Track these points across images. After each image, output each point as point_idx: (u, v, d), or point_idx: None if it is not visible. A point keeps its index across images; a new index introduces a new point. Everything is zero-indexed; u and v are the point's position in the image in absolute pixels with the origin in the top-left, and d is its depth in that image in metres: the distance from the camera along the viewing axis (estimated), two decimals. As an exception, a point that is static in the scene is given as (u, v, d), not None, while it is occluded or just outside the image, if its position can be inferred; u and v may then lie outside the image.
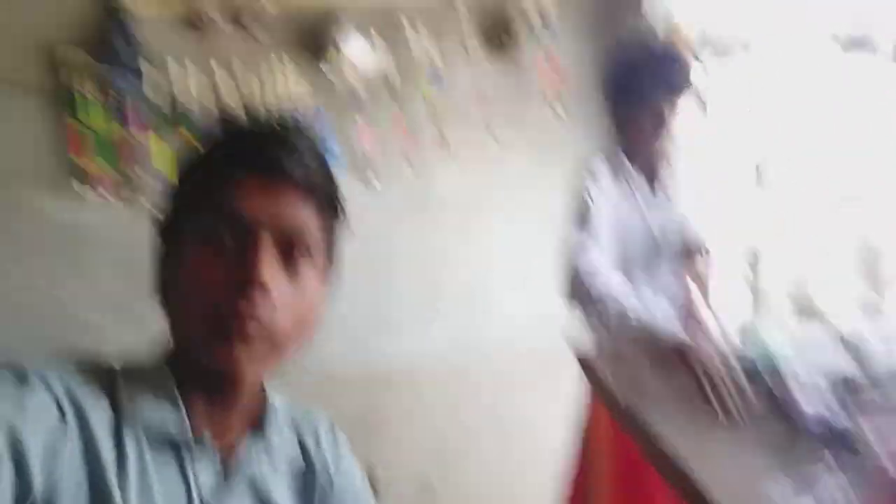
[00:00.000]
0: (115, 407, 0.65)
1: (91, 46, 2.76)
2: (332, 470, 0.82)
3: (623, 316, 1.72)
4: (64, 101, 2.80)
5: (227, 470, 0.72)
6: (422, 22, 2.74)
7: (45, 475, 0.56)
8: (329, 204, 0.76)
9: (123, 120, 2.84)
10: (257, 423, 0.77)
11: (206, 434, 0.70)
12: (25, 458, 0.54)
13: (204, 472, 0.69)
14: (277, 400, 0.82)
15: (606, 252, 1.94)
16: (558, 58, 2.96)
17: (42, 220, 2.93)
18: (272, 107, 2.81)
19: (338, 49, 2.69)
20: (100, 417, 0.63)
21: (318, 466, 0.81)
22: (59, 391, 0.61)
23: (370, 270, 3.06)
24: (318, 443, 0.83)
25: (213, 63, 2.79)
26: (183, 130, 2.85)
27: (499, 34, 2.87)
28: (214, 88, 2.81)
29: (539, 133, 3.00)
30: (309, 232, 0.72)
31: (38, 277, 2.98)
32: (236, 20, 2.77)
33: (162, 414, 0.67)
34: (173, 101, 2.83)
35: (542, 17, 2.86)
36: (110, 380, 0.68)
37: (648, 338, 1.69)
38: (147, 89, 2.80)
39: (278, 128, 0.73)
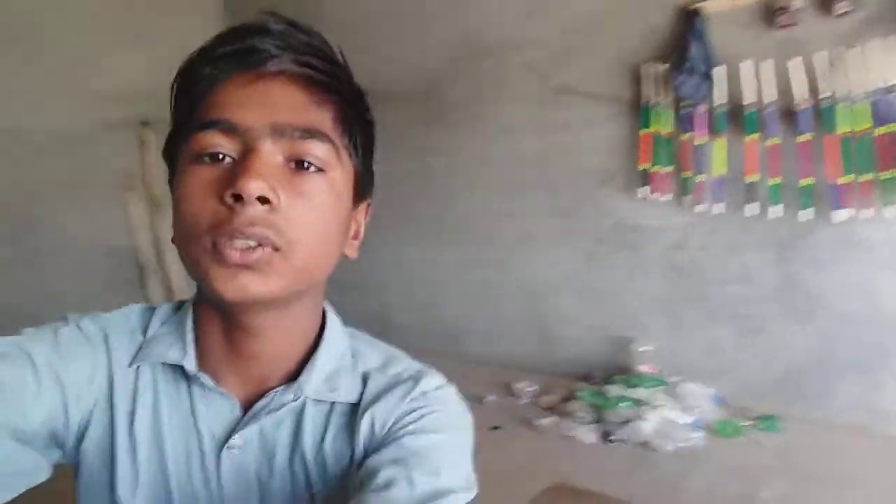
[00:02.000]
0: (141, 343, 0.72)
1: (669, 59, 3.08)
2: (389, 427, 0.70)
3: None
4: (638, 113, 3.22)
5: (245, 414, 0.70)
6: None
7: (79, 403, 0.67)
8: (345, 101, 0.66)
9: (689, 126, 3.06)
10: (297, 374, 0.72)
11: (219, 374, 0.70)
12: (64, 387, 0.66)
13: (216, 411, 0.70)
14: (364, 356, 0.77)
15: None
16: None
17: (606, 216, 3.48)
18: (860, 97, 2.52)
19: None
20: (124, 352, 0.71)
21: (364, 423, 0.71)
22: (91, 331, 0.70)
23: None
24: (379, 400, 0.72)
25: (791, 58, 2.68)
26: (749, 135, 2.86)
27: None
28: (788, 87, 2.70)
29: None
30: (318, 134, 0.64)
31: (600, 269, 3.55)
32: (825, 4, 2.58)
33: (171, 349, 0.70)
34: (741, 105, 2.86)
35: None
36: (149, 318, 0.74)
37: None
38: (716, 94, 2.93)
39: (265, 21, 0.65)
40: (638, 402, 3.05)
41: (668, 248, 3.32)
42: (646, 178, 3.27)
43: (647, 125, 3.22)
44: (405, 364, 0.78)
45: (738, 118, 2.93)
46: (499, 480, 2.66)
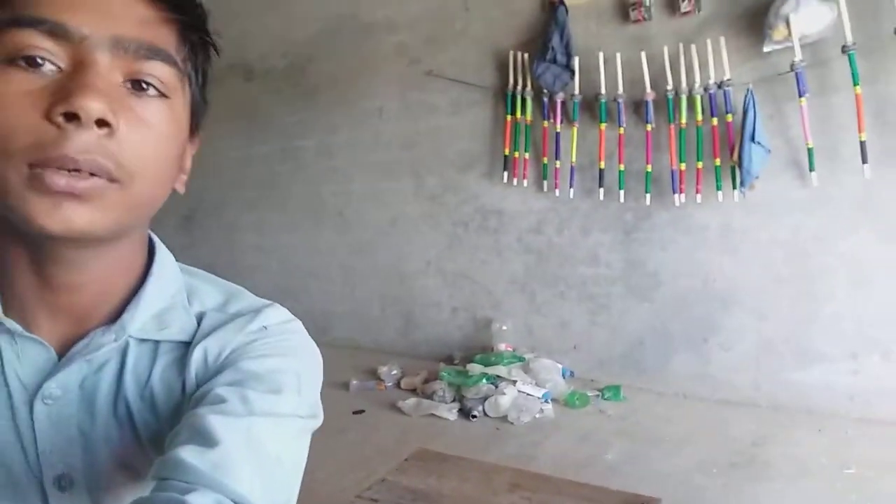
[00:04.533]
0: None
1: (532, 49, 3.20)
2: (225, 357, 0.65)
3: None
4: (505, 100, 3.32)
5: (61, 360, 0.62)
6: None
7: None
8: (190, 24, 0.61)
9: (548, 114, 3.19)
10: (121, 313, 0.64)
11: (31, 318, 0.61)
12: None
13: (27, 360, 0.61)
14: (201, 295, 0.69)
15: None
16: None
17: (470, 200, 3.57)
18: (698, 90, 2.75)
19: (787, 24, 2.45)
20: None
21: (196, 354, 0.65)
22: None
23: (794, 282, 2.73)
24: (214, 332, 0.66)
25: (641, 51, 2.88)
26: (601, 125, 3.03)
27: None
28: (636, 79, 2.89)
29: None
30: (161, 53, 0.57)
31: (463, 251, 3.62)
32: (671, 2, 2.79)
33: None
34: (595, 96, 3.03)
35: None
36: None
37: None
38: (574, 84, 3.08)
39: None
40: (496, 379, 3.12)
41: (526, 231, 3.44)
42: (508, 164, 3.37)
43: (511, 112, 3.32)
44: (248, 301, 0.70)
45: (592, 107, 3.09)
46: (363, 459, 2.62)
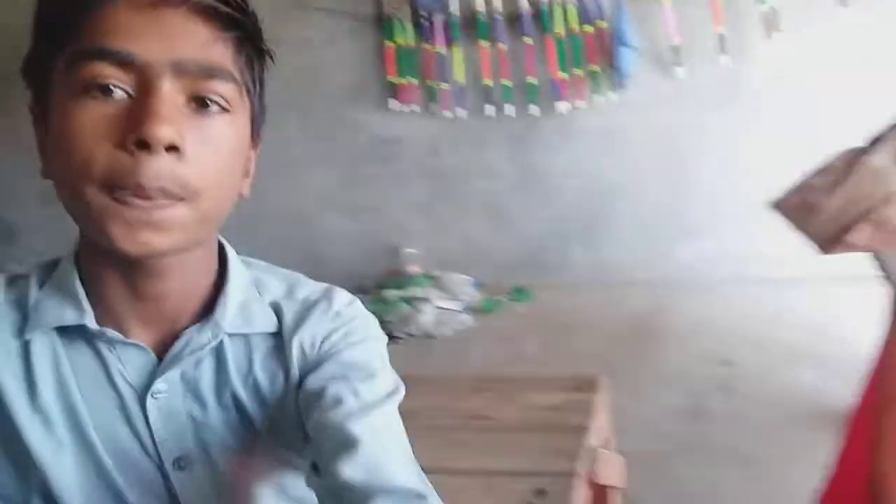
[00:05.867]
0: (25, 312, 0.66)
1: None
2: (319, 347, 0.71)
3: None
4: (382, 27, 3.29)
5: (162, 362, 0.67)
6: None
7: None
8: (246, 36, 0.64)
9: (429, 37, 3.22)
10: (206, 312, 0.68)
11: (125, 325, 0.65)
12: None
13: (130, 364, 0.66)
14: (267, 286, 0.74)
15: None
16: None
17: (360, 131, 3.57)
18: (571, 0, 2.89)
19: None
20: (5, 326, 0.65)
21: (294, 347, 0.71)
22: None
23: (670, 169, 3.04)
24: (302, 324, 0.71)
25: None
26: (482, 42, 3.11)
27: None
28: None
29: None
30: (221, 71, 0.60)
31: (361, 183, 3.65)
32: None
33: (65, 311, 0.65)
34: (473, 14, 3.08)
35: None
36: (25, 286, 0.68)
37: None
38: (451, 5, 3.11)
39: None
40: (413, 301, 3.26)
41: (422, 155, 3.50)
42: (395, 91, 3.38)
43: (390, 38, 3.30)
44: (309, 286, 0.75)
45: (471, 27, 3.15)
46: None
